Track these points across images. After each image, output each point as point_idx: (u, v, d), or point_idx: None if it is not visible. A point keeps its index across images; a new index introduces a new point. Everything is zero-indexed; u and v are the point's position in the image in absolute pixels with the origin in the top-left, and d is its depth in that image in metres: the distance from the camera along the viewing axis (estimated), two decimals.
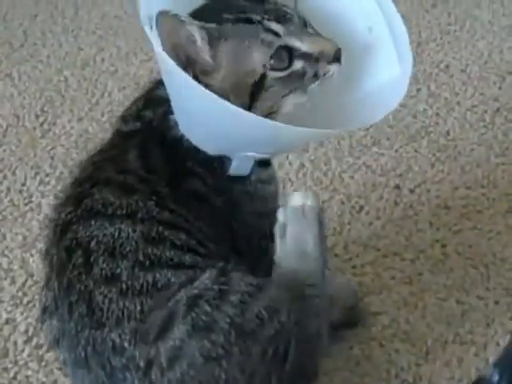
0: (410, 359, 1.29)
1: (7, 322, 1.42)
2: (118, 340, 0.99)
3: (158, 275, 1.01)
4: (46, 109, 2.03)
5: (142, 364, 0.98)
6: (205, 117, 1.06)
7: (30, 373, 1.32)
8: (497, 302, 1.40)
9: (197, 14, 1.07)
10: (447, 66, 2.10)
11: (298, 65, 1.07)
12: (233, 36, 1.06)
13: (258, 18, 1.06)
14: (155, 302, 1.00)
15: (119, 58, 2.25)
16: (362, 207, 1.62)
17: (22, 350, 1.36)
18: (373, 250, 1.51)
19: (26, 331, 1.39)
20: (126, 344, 0.99)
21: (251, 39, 1.06)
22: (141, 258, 1.01)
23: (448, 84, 2.04)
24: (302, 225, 1.11)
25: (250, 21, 1.06)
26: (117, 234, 1.03)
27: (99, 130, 1.93)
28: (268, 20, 1.06)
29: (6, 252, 1.57)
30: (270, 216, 1.17)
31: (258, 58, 1.06)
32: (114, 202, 1.05)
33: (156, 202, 1.06)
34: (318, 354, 1.15)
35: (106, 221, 1.04)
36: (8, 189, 1.75)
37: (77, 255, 1.03)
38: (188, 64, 1.04)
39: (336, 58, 1.08)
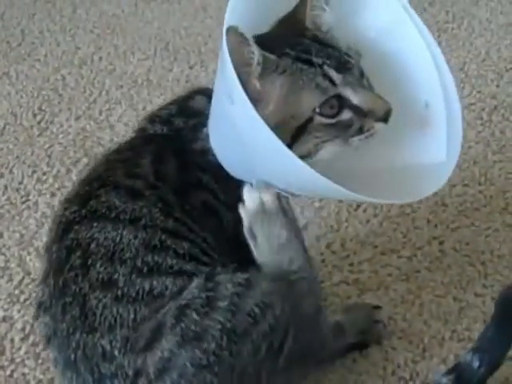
0: (407, 356, 1.29)
1: (4, 319, 1.42)
2: (108, 347, 0.99)
3: (155, 282, 1.00)
4: (43, 107, 2.03)
5: (130, 373, 0.98)
6: (248, 146, 1.05)
7: (26, 370, 1.32)
8: (494, 299, 1.39)
9: (260, 40, 1.05)
10: None
11: (346, 115, 1.06)
12: (289, 73, 1.05)
13: (320, 61, 1.05)
14: (149, 310, 0.99)
15: (117, 57, 2.25)
16: (359, 205, 1.62)
17: (19, 348, 1.36)
18: (370, 247, 1.51)
19: (23, 329, 1.39)
20: (116, 352, 0.98)
21: (307, 81, 1.05)
22: (139, 264, 1.01)
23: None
24: (267, 221, 1.08)
25: (310, 62, 1.05)
26: (118, 238, 1.02)
27: (96, 129, 1.93)
28: (328, 66, 1.05)
29: (3, 250, 1.57)
30: None
31: (308, 102, 1.05)
32: (119, 206, 1.05)
33: (161, 210, 1.05)
34: (321, 328, 1.15)
35: (108, 224, 1.04)
36: (5, 187, 1.75)
37: (75, 256, 1.03)
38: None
39: (384, 118, 1.07)
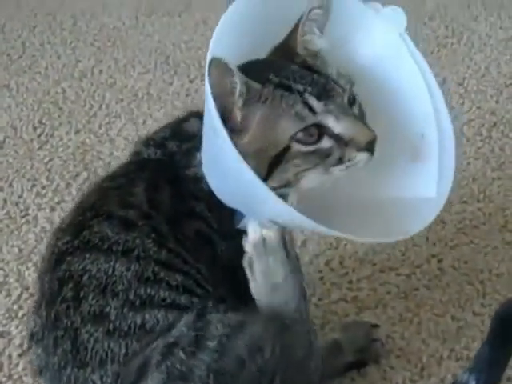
0: (405, 375, 1.29)
1: (2, 335, 1.41)
2: (99, 382, 0.98)
3: (147, 316, 0.99)
4: (43, 120, 2.03)
5: None
6: (229, 176, 1.04)
7: None
8: None
9: (247, 68, 1.05)
10: (444, 80, 2.11)
11: (326, 144, 1.03)
12: (270, 101, 1.03)
13: (300, 88, 1.03)
14: (140, 345, 0.98)
15: (117, 70, 2.26)
16: None
17: (17, 364, 1.35)
18: (369, 264, 1.51)
19: (21, 345, 1.38)
20: None
21: (286, 109, 1.03)
22: (131, 297, 0.99)
23: (445, 97, 2.03)
24: (266, 257, 1.05)
25: (290, 89, 1.03)
26: (110, 271, 1.01)
27: (96, 142, 1.93)
28: (309, 93, 1.03)
29: (2, 265, 1.56)
30: None
31: (286, 130, 1.03)
32: (112, 237, 1.03)
33: (154, 240, 1.04)
34: (310, 373, 1.12)
35: (101, 256, 1.02)
36: (4, 201, 1.75)
37: (68, 288, 1.02)
38: (223, 117, 1.01)
39: (368, 148, 1.04)
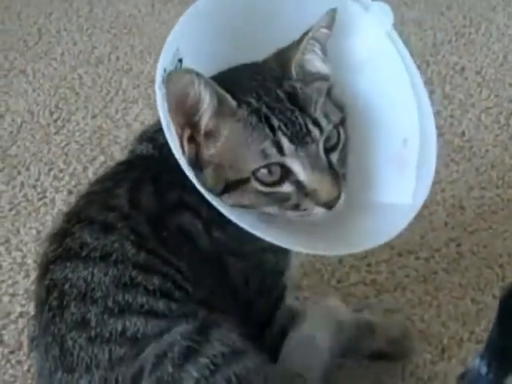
0: (426, 357, 1.28)
1: (21, 315, 1.42)
2: None
3: (127, 323, 0.97)
4: (60, 105, 2.03)
5: None
6: None
7: None
8: None
9: (223, 77, 1.03)
10: (462, 68, 2.10)
11: (286, 188, 1.01)
12: (242, 125, 1.00)
13: (276, 124, 0.99)
14: (125, 352, 0.97)
15: (133, 57, 2.25)
16: None
17: None
18: (387, 248, 1.50)
19: None
20: None
21: (254, 141, 1.00)
22: (110, 304, 0.98)
23: (463, 86, 2.03)
24: (310, 351, 1.06)
25: (267, 121, 0.99)
26: (89, 277, 0.99)
27: (113, 127, 1.93)
28: (283, 133, 0.99)
29: (20, 246, 1.57)
30: (278, 251, 1.08)
31: (249, 162, 1.00)
32: (91, 243, 1.01)
33: (133, 242, 1.01)
34: None
35: (80, 263, 1.01)
36: (22, 184, 1.75)
37: (53, 296, 1.02)
38: (187, 120, 1.01)
39: (328, 206, 1.01)
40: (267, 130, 0.99)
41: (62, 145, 1.88)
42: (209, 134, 1.02)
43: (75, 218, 1.06)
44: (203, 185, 1.00)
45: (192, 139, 1.02)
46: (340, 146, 1.04)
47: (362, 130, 1.10)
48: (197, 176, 1.00)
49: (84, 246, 1.01)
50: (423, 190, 1.09)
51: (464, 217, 1.59)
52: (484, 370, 1.10)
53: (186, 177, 0.98)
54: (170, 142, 0.98)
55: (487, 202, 1.63)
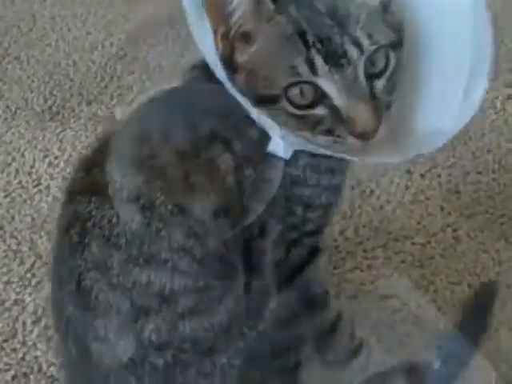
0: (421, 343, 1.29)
1: (16, 302, 1.41)
2: (102, 330, 0.94)
3: (152, 276, 0.93)
4: (54, 92, 2.02)
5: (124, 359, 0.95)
6: None
7: (38, 353, 1.32)
8: (508, 287, 1.39)
9: None
10: None
11: (319, 111, 0.92)
12: (277, 32, 0.91)
13: (311, 40, 0.89)
14: (150, 305, 0.94)
15: (128, 43, 2.24)
16: (372, 191, 1.61)
17: (31, 331, 1.35)
18: (383, 233, 1.50)
19: (35, 312, 1.38)
20: (111, 335, 0.95)
21: (287, 55, 0.90)
22: (135, 253, 0.93)
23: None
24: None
25: (303, 35, 0.90)
26: (114, 219, 0.94)
27: (108, 114, 1.92)
28: (317, 51, 0.89)
29: (15, 233, 1.56)
30: (324, 210, 1.03)
31: (280, 78, 0.91)
32: (118, 181, 0.94)
33: (162, 189, 0.93)
34: None
35: (105, 201, 0.95)
36: (17, 171, 1.74)
37: (74, 230, 0.96)
38: (223, 17, 0.91)
39: (363, 136, 0.91)
40: (301, 46, 0.89)
41: (57, 131, 1.87)
42: (244, 37, 0.93)
43: (104, 146, 1.00)
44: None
45: (226, 38, 0.94)
46: (388, 72, 0.93)
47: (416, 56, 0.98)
48: (230, 79, 0.92)
49: (112, 182, 0.94)
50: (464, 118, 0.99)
51: (460, 201, 1.58)
52: (437, 364, 1.14)
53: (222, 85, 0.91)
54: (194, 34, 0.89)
55: (483, 186, 1.62)
